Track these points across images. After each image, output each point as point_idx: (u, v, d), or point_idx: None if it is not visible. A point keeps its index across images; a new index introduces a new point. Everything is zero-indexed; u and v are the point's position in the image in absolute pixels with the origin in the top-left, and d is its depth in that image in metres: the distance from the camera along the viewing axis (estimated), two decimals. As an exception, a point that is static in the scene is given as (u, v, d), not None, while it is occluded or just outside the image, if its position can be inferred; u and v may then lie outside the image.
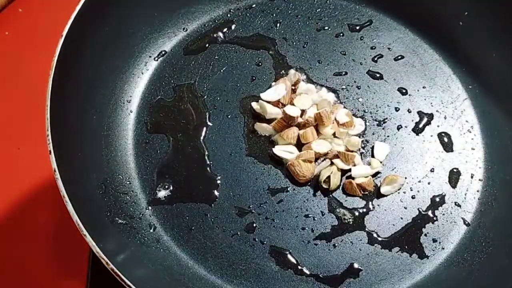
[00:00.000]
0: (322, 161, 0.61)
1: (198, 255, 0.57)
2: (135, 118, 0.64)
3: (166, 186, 0.60)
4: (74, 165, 0.55)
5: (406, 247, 0.59)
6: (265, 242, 0.58)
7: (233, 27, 0.70)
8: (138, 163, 0.61)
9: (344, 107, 0.64)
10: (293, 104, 0.62)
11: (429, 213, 0.60)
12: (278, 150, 0.61)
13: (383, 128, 0.64)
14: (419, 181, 0.62)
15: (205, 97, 0.65)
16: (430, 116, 0.65)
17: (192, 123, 0.64)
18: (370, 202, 0.60)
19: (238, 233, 0.58)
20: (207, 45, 0.68)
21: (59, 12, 0.63)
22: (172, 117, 0.64)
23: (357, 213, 0.60)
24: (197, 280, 0.56)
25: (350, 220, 0.59)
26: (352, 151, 0.61)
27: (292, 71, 0.66)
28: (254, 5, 0.71)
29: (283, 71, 0.67)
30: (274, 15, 0.70)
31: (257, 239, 0.58)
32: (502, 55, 0.65)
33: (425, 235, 0.59)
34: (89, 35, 0.59)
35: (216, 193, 0.60)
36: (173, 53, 0.68)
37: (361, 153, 0.63)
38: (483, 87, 0.66)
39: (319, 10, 0.71)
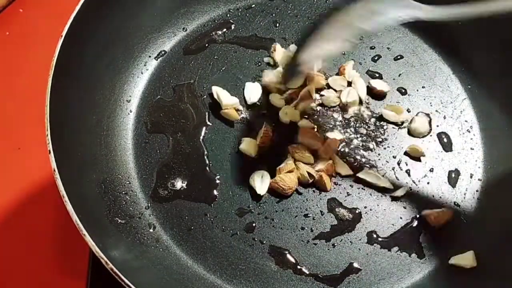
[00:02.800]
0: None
1: (198, 255, 0.57)
2: (135, 117, 0.64)
3: (166, 186, 0.60)
4: (74, 165, 0.55)
5: (406, 246, 0.59)
6: (264, 242, 0.58)
7: (232, 27, 0.70)
8: (137, 163, 0.61)
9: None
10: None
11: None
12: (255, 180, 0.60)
13: (382, 128, 0.64)
14: (419, 181, 0.62)
15: (205, 96, 0.65)
16: (429, 116, 0.65)
17: (191, 123, 0.64)
18: (369, 202, 0.60)
19: (238, 232, 0.58)
20: (206, 45, 0.68)
21: (59, 12, 0.64)
22: (171, 117, 0.64)
23: (356, 213, 0.60)
24: (196, 280, 0.56)
25: (350, 219, 0.59)
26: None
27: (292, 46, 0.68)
28: (253, 5, 0.71)
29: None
30: (274, 15, 0.71)
31: (256, 239, 0.58)
32: (501, 55, 0.65)
33: (424, 234, 0.59)
34: (88, 35, 0.60)
35: (215, 192, 0.60)
36: (173, 53, 0.68)
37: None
38: (482, 87, 0.66)
39: (318, 10, 0.71)
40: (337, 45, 0.57)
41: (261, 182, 0.59)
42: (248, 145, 0.61)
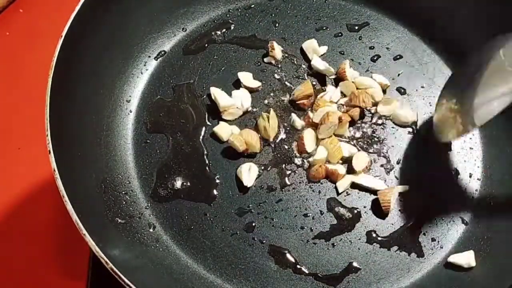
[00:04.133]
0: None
1: (198, 255, 0.57)
2: (135, 117, 0.64)
3: (166, 186, 0.60)
4: (74, 165, 0.55)
5: (405, 246, 0.59)
6: (264, 241, 0.58)
7: (232, 27, 0.70)
8: (137, 163, 0.61)
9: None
10: None
11: (428, 212, 0.60)
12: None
13: (382, 128, 0.64)
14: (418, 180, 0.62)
15: (204, 96, 0.65)
16: (429, 116, 0.66)
17: (191, 123, 0.64)
18: (368, 201, 0.60)
19: (237, 232, 0.58)
20: (206, 45, 0.68)
21: (59, 12, 0.64)
22: (171, 117, 0.64)
23: (356, 212, 0.60)
24: (196, 280, 0.56)
25: (349, 219, 0.59)
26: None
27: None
28: (253, 5, 0.71)
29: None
30: (273, 15, 0.71)
31: (256, 238, 0.58)
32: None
33: (424, 234, 0.59)
34: (88, 35, 0.60)
35: (215, 192, 0.60)
36: (173, 53, 0.68)
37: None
38: (481, 86, 0.67)
39: (317, 10, 0.71)
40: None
41: (248, 174, 0.60)
42: (233, 137, 0.61)
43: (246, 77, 0.65)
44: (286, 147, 0.63)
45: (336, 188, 0.61)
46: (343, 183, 0.60)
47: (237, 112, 0.63)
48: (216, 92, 0.64)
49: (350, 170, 0.61)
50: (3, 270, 0.67)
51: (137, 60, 0.66)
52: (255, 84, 0.65)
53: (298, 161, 0.62)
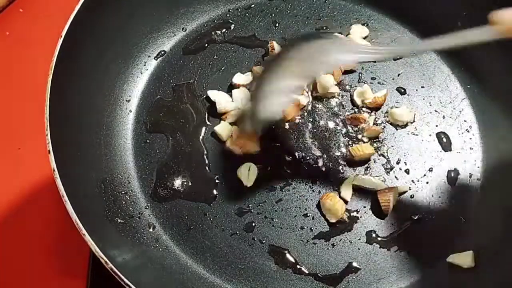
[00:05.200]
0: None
1: (197, 255, 0.57)
2: (135, 117, 0.64)
3: (165, 186, 0.60)
4: (74, 165, 0.55)
5: (405, 246, 0.59)
6: (264, 241, 0.58)
7: (232, 27, 0.70)
8: (137, 163, 0.61)
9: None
10: None
11: (428, 212, 0.60)
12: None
13: (382, 128, 0.64)
14: (418, 181, 0.62)
15: (204, 96, 0.65)
16: (429, 116, 0.66)
17: (191, 123, 0.64)
18: (368, 201, 0.60)
19: (237, 232, 0.58)
20: (206, 44, 0.69)
21: (59, 12, 0.64)
22: (171, 117, 0.64)
23: (355, 212, 0.60)
24: (196, 280, 0.56)
25: (349, 219, 0.59)
26: None
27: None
28: (253, 5, 0.71)
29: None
30: (273, 15, 0.71)
31: (256, 238, 0.58)
32: (500, 55, 0.65)
33: (424, 234, 0.59)
34: (88, 35, 0.60)
35: (215, 192, 0.60)
36: (172, 52, 0.68)
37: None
38: (481, 86, 0.66)
39: (317, 10, 0.71)
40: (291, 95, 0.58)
41: (248, 174, 0.60)
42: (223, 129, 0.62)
43: (241, 79, 0.65)
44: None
45: (337, 189, 0.61)
46: (347, 192, 0.60)
47: (237, 112, 0.63)
48: (214, 95, 0.63)
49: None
50: (3, 269, 0.67)
51: (137, 60, 0.66)
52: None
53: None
